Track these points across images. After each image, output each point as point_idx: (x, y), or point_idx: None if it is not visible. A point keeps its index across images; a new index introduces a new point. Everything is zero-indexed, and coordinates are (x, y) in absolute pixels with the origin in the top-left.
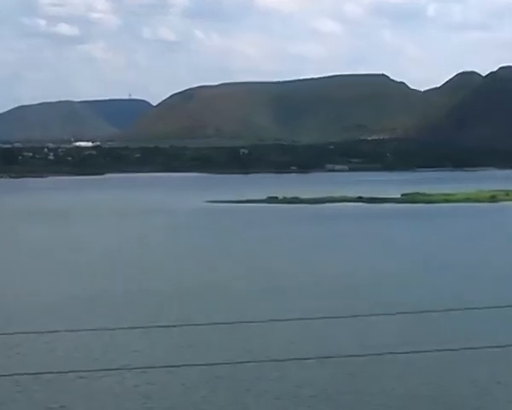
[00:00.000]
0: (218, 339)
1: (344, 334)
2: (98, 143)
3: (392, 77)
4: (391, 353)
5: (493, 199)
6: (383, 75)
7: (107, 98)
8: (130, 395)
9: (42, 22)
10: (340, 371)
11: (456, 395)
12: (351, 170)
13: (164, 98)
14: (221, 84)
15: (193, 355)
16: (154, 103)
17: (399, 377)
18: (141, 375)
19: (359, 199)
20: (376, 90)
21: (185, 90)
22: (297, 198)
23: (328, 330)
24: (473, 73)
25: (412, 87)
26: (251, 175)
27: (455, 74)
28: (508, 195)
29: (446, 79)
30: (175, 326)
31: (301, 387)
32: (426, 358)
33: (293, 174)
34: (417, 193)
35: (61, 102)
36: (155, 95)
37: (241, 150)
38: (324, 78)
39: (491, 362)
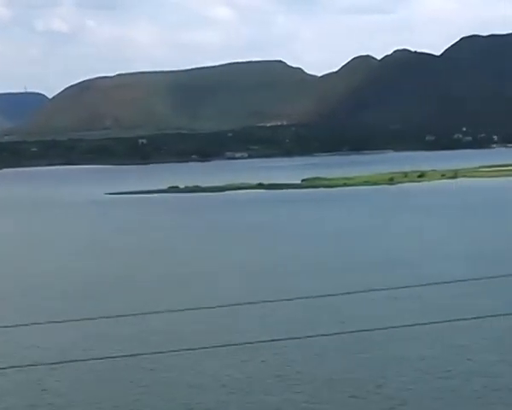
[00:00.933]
0: (112, 332)
1: (243, 321)
2: None
3: (288, 63)
4: (291, 338)
5: (391, 181)
6: (280, 61)
7: (1, 92)
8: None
9: None
10: (251, 358)
11: (357, 374)
12: (250, 157)
13: (60, 91)
14: (117, 75)
15: (91, 348)
16: (50, 96)
17: (296, 361)
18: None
19: (260, 186)
20: (273, 77)
21: (81, 82)
22: (198, 187)
23: (227, 318)
24: (368, 56)
25: (309, 72)
26: (151, 165)
27: (351, 58)
28: (406, 176)
29: (343, 64)
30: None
31: (206, 375)
32: (325, 341)
33: (193, 163)
34: (317, 178)
35: None
36: (51, 88)
37: (140, 140)
38: (221, 66)
39: (386, 342)
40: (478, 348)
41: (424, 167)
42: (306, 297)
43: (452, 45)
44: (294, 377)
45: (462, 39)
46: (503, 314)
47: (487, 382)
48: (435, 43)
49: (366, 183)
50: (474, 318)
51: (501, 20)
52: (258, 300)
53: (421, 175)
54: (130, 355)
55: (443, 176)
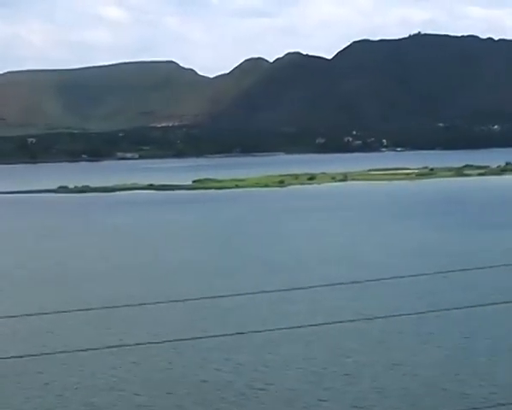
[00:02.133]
0: None
1: (134, 323)
2: None
3: (180, 64)
4: (177, 340)
5: (282, 183)
6: (172, 62)
7: None
8: None
9: None
10: (123, 360)
11: (237, 376)
12: (141, 157)
13: None
14: (6, 73)
15: None
16: None
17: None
18: None
19: (150, 186)
20: (165, 78)
21: None
22: (88, 187)
23: (112, 320)
24: (260, 59)
25: (201, 74)
26: (40, 164)
27: (243, 60)
28: (297, 179)
29: (235, 66)
30: None
31: (91, 377)
32: (210, 342)
33: (84, 163)
34: (208, 179)
35: None
36: None
37: (29, 139)
38: (113, 65)
39: (270, 343)
40: (360, 349)
41: (315, 170)
42: (193, 299)
43: (343, 49)
44: (168, 379)
45: (353, 43)
46: (382, 317)
47: (369, 384)
48: (327, 47)
49: (257, 185)
50: (355, 320)
51: (391, 25)
52: (138, 302)
53: (312, 178)
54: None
55: (333, 179)
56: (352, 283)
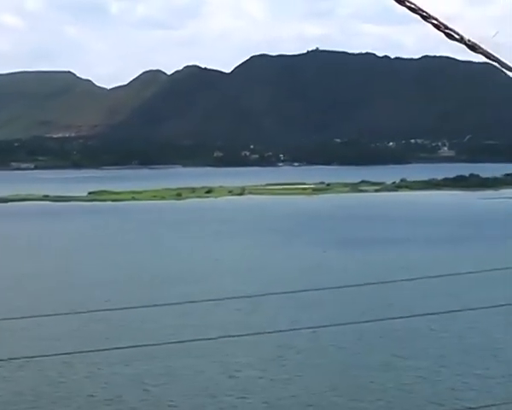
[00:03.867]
0: None
1: (22, 337)
2: None
3: (78, 74)
4: (65, 353)
5: (179, 196)
6: (69, 72)
7: None
8: None
9: None
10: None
11: (121, 390)
12: (37, 168)
13: None
14: None
15: None
16: None
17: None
18: None
19: (45, 197)
20: (63, 88)
21: None
22: None
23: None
24: (158, 71)
25: (99, 84)
26: None
27: (141, 72)
28: (194, 192)
29: (133, 77)
30: None
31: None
32: (96, 356)
33: None
34: (104, 191)
35: None
36: None
37: None
38: (8, 74)
39: (157, 357)
40: (252, 364)
41: (212, 183)
42: (84, 312)
43: (242, 63)
44: (56, 393)
45: (251, 57)
46: (271, 332)
47: (259, 399)
48: (225, 60)
49: (154, 197)
50: (244, 335)
51: (289, 40)
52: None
53: (209, 191)
54: None
55: (230, 192)
56: (242, 297)
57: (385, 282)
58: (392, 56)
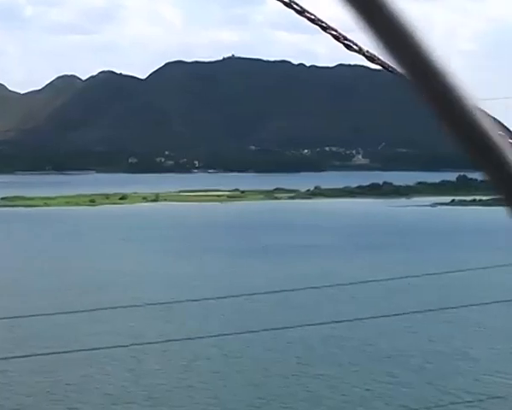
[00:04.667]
0: None
1: None
2: None
3: None
4: None
5: (93, 203)
6: None
7: None
8: None
9: None
10: None
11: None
12: None
13: None
14: None
15: None
16: None
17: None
18: None
19: None
20: None
21: None
22: None
23: None
24: (73, 76)
25: (12, 89)
26: None
27: (55, 77)
28: (108, 198)
29: (47, 82)
30: None
31: None
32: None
33: None
34: (17, 197)
35: None
36: None
37: None
38: None
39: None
40: (162, 371)
41: (127, 190)
42: None
43: (157, 69)
44: None
45: (166, 64)
46: (185, 339)
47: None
48: (140, 67)
49: (68, 204)
50: (156, 342)
51: (205, 47)
52: None
53: (123, 198)
54: None
55: (144, 199)
56: (153, 304)
57: (294, 290)
58: (308, 64)
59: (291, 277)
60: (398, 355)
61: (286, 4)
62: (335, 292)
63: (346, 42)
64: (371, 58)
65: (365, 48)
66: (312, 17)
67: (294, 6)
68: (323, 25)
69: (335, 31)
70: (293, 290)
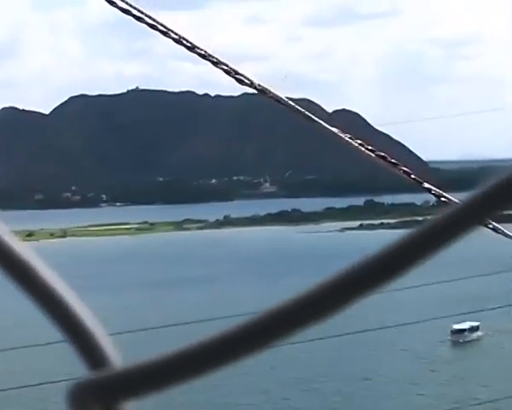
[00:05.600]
0: None
1: None
2: None
3: None
4: None
5: None
6: None
7: None
8: None
9: None
10: None
11: None
12: None
13: None
14: None
15: None
16: None
17: None
18: None
19: None
20: None
21: None
22: None
23: None
24: None
25: None
26: None
27: None
28: (15, 235)
29: None
30: None
31: None
32: None
33: None
34: None
35: None
36: None
37: None
38: None
39: None
40: None
41: (33, 226)
42: None
43: (61, 104)
44: None
45: (70, 98)
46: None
47: None
48: (44, 102)
49: None
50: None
51: (108, 80)
52: None
53: (30, 234)
54: None
55: (52, 235)
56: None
57: (199, 321)
58: (213, 94)
59: (193, 307)
60: (310, 381)
61: (176, 41)
62: (235, 321)
63: (237, 76)
64: (263, 91)
65: (257, 81)
66: (203, 53)
67: (184, 42)
68: (214, 60)
69: (226, 65)
70: (189, 323)
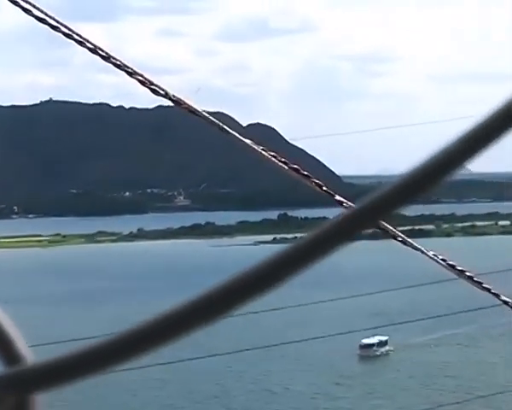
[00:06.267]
0: None
1: None
2: None
3: None
4: None
5: None
6: None
7: None
8: None
9: None
10: None
11: None
12: None
13: None
14: None
15: None
16: None
17: None
18: None
19: None
20: None
21: None
22: None
23: None
24: None
25: None
26: None
27: None
28: None
29: None
30: None
31: None
32: None
33: None
34: None
35: None
36: None
37: None
38: None
39: None
40: None
41: None
42: None
43: None
44: None
45: None
46: None
47: None
48: None
49: None
50: None
51: (21, 91)
52: None
53: None
54: None
55: None
56: None
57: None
58: (127, 106)
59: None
60: (222, 397)
61: (91, 51)
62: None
63: (152, 87)
64: (178, 102)
65: (172, 92)
66: (118, 63)
67: (100, 52)
68: (130, 70)
69: (142, 76)
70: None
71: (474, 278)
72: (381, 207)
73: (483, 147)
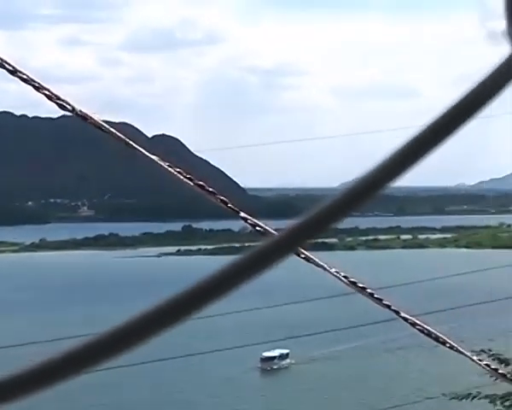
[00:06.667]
0: None
1: None
2: None
3: None
4: None
5: None
6: None
7: None
8: None
9: None
10: None
11: None
12: None
13: None
14: None
15: None
16: None
17: None
18: None
19: None
20: None
21: None
22: None
23: None
24: None
25: None
26: None
27: None
28: None
29: None
30: None
31: None
32: None
33: None
34: None
35: None
36: None
37: None
38: None
39: None
40: None
41: None
42: None
43: None
44: None
45: None
46: None
47: None
48: None
49: None
50: None
51: None
52: None
53: None
54: None
55: None
56: None
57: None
58: (30, 115)
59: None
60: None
61: None
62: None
63: (59, 102)
64: (84, 117)
65: (78, 107)
66: (25, 77)
67: (6, 66)
68: (36, 85)
69: (48, 90)
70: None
71: (375, 295)
72: (323, 221)
73: (415, 161)
